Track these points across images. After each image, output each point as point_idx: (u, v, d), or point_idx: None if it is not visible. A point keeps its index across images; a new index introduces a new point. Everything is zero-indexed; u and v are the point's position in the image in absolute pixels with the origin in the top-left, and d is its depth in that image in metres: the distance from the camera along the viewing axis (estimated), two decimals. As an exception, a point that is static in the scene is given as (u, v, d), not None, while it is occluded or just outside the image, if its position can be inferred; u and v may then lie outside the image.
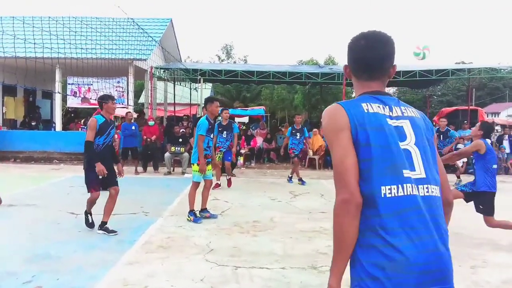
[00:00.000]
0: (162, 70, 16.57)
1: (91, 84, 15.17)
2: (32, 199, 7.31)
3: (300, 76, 15.55)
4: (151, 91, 16.00)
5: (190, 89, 20.50)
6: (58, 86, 14.60)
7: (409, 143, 1.49)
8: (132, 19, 12.03)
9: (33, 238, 4.97)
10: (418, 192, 1.44)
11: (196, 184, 6.05)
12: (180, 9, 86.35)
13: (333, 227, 1.43)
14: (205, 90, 21.08)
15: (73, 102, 16.23)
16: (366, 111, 1.49)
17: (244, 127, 17.06)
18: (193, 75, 16.27)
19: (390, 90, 39.61)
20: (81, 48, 10.00)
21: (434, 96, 29.99)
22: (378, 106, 1.51)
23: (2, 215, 6.15)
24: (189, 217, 5.92)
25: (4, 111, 16.64)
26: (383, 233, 1.38)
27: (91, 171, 5.06)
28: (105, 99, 5.30)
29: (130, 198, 7.53)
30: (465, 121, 14.20)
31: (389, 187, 1.41)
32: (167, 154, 11.56)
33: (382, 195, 1.40)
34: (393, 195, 1.41)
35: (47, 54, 9.45)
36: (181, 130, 12.07)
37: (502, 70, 15.77)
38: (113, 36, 12.08)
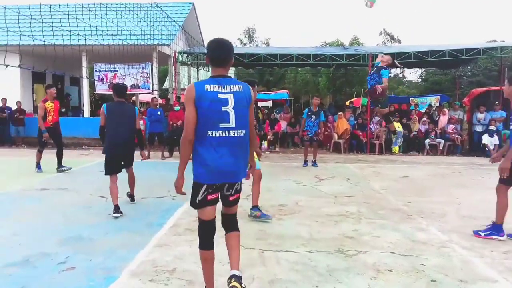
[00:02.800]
0: (186, 55, 16.59)
1: (117, 70, 15.39)
2: (64, 184, 7.55)
3: (325, 58, 15.25)
4: (175, 76, 16.10)
5: (214, 73, 20.45)
6: (85, 72, 14.88)
7: (229, 108, 2.70)
8: (155, 3, 12.08)
9: (66, 221, 5.14)
10: (229, 134, 2.72)
11: None
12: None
13: (180, 150, 2.79)
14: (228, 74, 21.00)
15: (101, 89, 16.54)
16: (206, 90, 2.68)
17: (267, 111, 17.00)
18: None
19: (418, 71, 38.56)
20: (107, 34, 10.06)
21: (464, 77, 28.89)
22: (215, 86, 2.71)
23: (36, 198, 6.39)
24: (254, 212, 5.33)
25: (34, 98, 17.14)
26: (205, 154, 2.72)
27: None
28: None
29: (157, 182, 7.68)
30: (497, 102, 13.60)
31: (211, 131, 2.69)
32: (192, 139, 11.64)
33: (207, 135, 2.70)
34: (213, 135, 2.70)
35: (74, 40, 9.59)
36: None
37: (537, 48, 15.01)
38: (137, 21, 12.14)
